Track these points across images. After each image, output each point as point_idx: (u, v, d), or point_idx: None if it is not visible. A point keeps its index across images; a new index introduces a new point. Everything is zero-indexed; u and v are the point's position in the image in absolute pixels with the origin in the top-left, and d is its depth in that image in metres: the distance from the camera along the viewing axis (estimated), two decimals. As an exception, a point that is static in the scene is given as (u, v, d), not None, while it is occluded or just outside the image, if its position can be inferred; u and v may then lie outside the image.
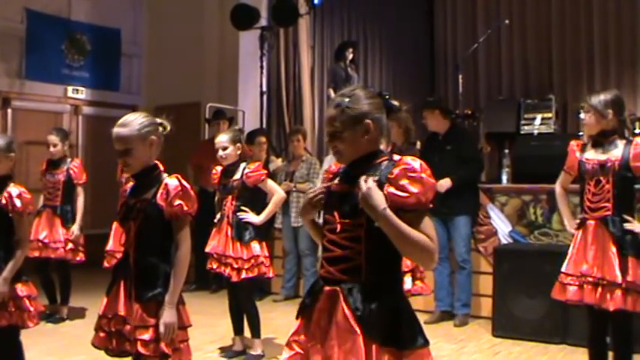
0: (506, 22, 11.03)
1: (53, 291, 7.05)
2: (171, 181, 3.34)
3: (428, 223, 2.52)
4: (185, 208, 3.31)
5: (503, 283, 6.34)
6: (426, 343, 2.58)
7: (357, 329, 2.48)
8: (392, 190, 2.48)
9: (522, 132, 9.60)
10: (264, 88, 9.74)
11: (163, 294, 3.27)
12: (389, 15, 12.50)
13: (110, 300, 3.39)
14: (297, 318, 2.73)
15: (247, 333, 5.67)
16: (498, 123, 9.85)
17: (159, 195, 3.31)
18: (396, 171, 2.51)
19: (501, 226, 7.01)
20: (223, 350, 5.80)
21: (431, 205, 2.53)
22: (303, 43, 10.59)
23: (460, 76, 9.75)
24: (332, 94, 9.70)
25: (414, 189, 2.48)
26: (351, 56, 9.93)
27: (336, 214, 2.62)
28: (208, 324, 6.36)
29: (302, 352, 2.64)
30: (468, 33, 12.56)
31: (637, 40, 11.08)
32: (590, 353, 4.48)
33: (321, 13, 11.16)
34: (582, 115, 4.39)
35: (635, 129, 8.40)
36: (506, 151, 8.04)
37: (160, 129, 3.45)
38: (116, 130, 3.36)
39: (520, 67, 12.05)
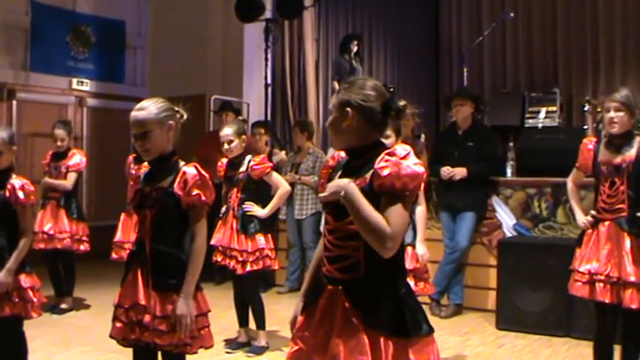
0: (512, 15, 11.01)
1: (60, 284, 7.06)
2: (190, 170, 3.32)
3: (396, 210, 2.45)
4: (203, 197, 3.30)
5: (508, 276, 6.34)
6: (431, 330, 2.59)
7: (360, 326, 2.48)
8: (375, 173, 2.50)
9: (527, 125, 9.60)
10: (269, 81, 9.74)
11: (180, 284, 3.25)
12: (394, 7, 12.48)
13: (126, 289, 3.36)
14: (300, 314, 2.73)
15: (252, 325, 5.68)
16: (503, 116, 9.85)
17: (176, 184, 3.28)
18: (379, 158, 2.51)
19: (506, 219, 7.01)
20: (228, 342, 5.80)
21: (407, 194, 2.47)
22: (307, 35, 10.58)
23: (465, 69, 9.74)
24: (336, 86, 9.69)
25: (385, 171, 2.46)
26: (355, 49, 9.92)
27: (331, 214, 2.64)
28: (213, 316, 6.30)
29: (305, 348, 2.64)
30: (472, 26, 12.55)
31: (642, 33, 11.05)
32: (595, 350, 4.45)
33: (326, 6, 11.14)
34: (612, 114, 4.18)
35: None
36: (511, 144, 8.03)
37: (178, 116, 3.42)
38: (134, 113, 3.33)
39: (525, 61, 12.03)
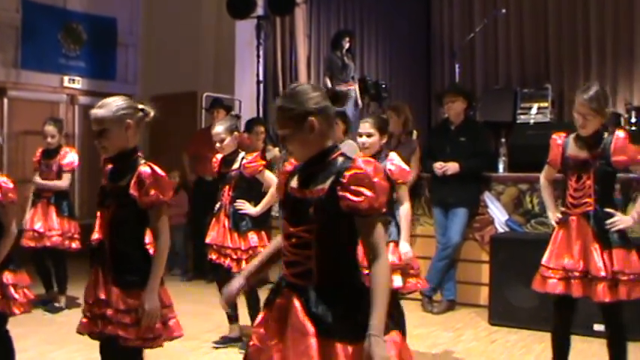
0: (503, 11, 11.03)
1: (49, 277, 7.11)
2: (145, 170, 3.30)
3: (379, 231, 2.53)
4: (161, 196, 3.31)
5: (500, 271, 6.36)
6: (391, 328, 2.55)
7: (311, 331, 2.48)
8: (344, 193, 2.48)
9: (519, 121, 9.62)
10: (261, 77, 9.73)
11: (142, 280, 3.28)
12: (385, 3, 12.49)
13: (90, 285, 3.43)
14: (262, 309, 2.75)
15: (245, 321, 5.68)
16: (495, 112, 9.86)
17: (132, 184, 3.29)
18: (348, 174, 2.49)
19: (498, 214, 7.03)
20: (219, 338, 5.80)
21: (384, 210, 2.53)
22: (299, 32, 10.59)
23: (457, 65, 9.76)
24: (328, 82, 9.72)
25: (366, 193, 2.46)
26: (347, 45, 9.94)
27: (287, 220, 2.65)
28: (205, 313, 6.38)
29: (260, 345, 2.65)
30: (464, 22, 12.57)
31: (633, 28, 11.10)
32: (554, 342, 4.50)
33: (318, 2, 11.15)
34: (581, 120, 4.19)
35: (631, 118, 8.44)
36: (503, 140, 8.05)
37: (140, 114, 3.42)
38: (93, 110, 3.37)
39: (517, 57, 12.06)
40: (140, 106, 3.43)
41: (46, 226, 6.77)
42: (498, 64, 12.30)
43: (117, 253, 3.33)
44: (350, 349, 2.46)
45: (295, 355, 2.49)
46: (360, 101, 10.12)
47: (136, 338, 3.28)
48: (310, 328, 2.48)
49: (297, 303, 2.54)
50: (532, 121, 9.42)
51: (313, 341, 2.47)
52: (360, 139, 4.82)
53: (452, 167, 6.72)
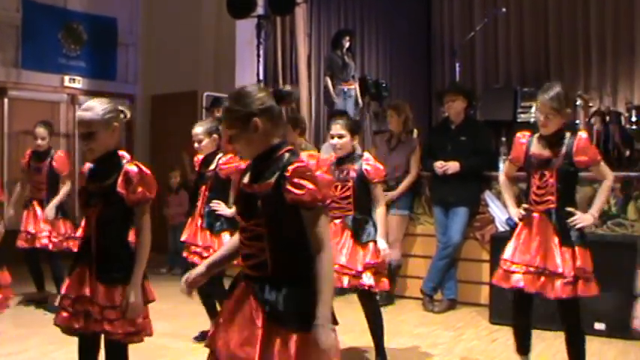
0: (504, 10, 11.03)
1: (41, 278, 7.18)
2: (132, 168, 3.41)
3: (323, 223, 2.62)
4: (147, 194, 3.41)
5: (501, 270, 6.35)
6: (335, 323, 2.66)
7: (259, 322, 2.58)
8: (288, 187, 2.57)
9: (519, 120, 9.61)
10: (261, 77, 9.72)
11: (126, 276, 3.36)
12: (386, 2, 12.49)
13: (73, 281, 3.48)
14: (226, 298, 2.85)
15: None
16: (495, 111, 9.85)
17: (119, 182, 3.38)
18: (291, 168, 2.58)
19: (498, 213, 7.02)
20: (198, 333, 5.82)
21: (327, 202, 2.62)
22: (299, 31, 10.58)
23: (457, 64, 9.77)
24: (329, 82, 9.74)
25: (308, 185, 2.55)
26: (347, 44, 9.95)
27: (240, 215, 2.75)
28: (204, 312, 6.36)
29: (216, 333, 2.75)
30: (465, 21, 12.58)
31: (634, 26, 11.11)
32: (516, 335, 4.66)
33: (318, 2, 11.14)
34: (542, 119, 4.33)
35: (632, 117, 8.45)
36: (503, 139, 8.06)
37: (122, 116, 3.53)
38: (80, 113, 3.44)
39: (517, 55, 12.07)
40: (121, 108, 3.55)
41: (37, 227, 6.87)
42: (498, 62, 12.31)
43: (103, 252, 3.42)
44: (296, 338, 2.56)
45: (239, 341, 2.60)
46: (360, 100, 10.14)
47: (121, 332, 3.37)
48: (258, 320, 2.58)
49: (251, 293, 2.65)
50: (532, 120, 9.40)
51: (259, 332, 2.57)
52: (331, 141, 4.88)
53: (452, 166, 6.73)
